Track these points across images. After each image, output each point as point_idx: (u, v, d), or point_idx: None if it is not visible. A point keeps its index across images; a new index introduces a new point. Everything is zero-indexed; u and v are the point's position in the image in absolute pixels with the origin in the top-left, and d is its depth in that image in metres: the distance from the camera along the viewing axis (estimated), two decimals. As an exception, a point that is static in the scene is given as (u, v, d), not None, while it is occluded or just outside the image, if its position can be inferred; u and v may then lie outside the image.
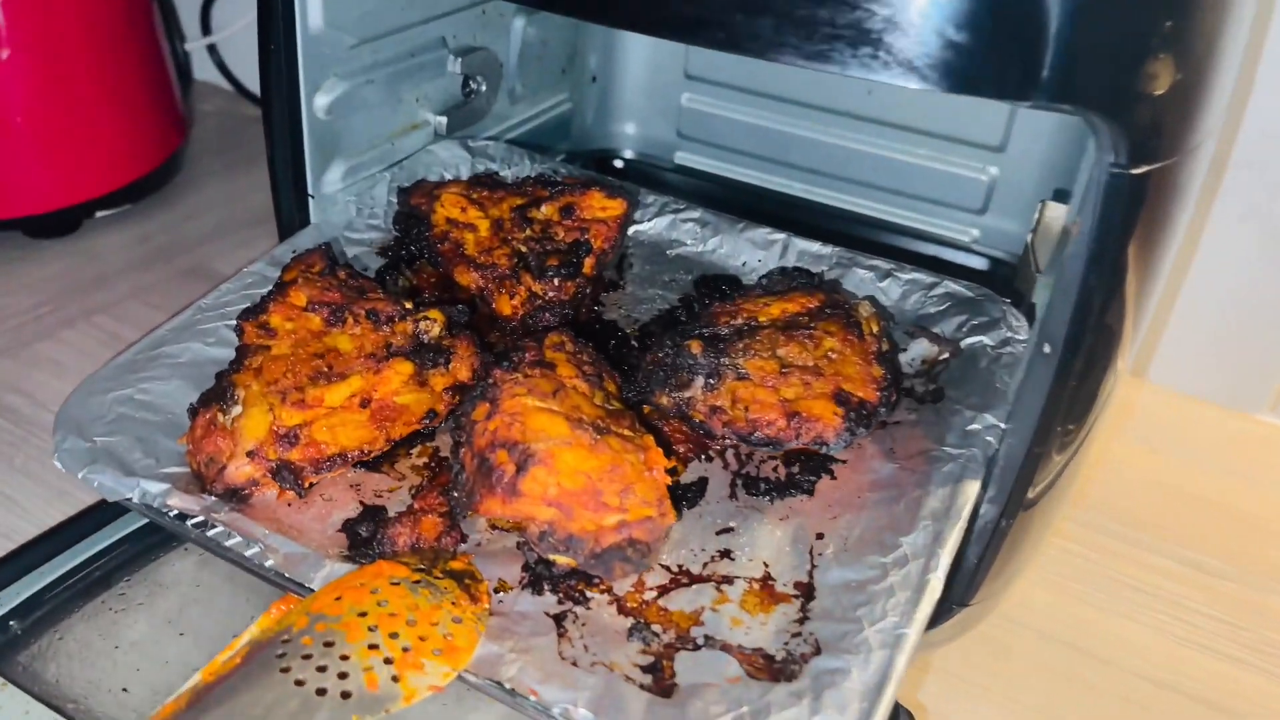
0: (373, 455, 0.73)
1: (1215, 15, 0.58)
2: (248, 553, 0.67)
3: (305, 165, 0.94)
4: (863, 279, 0.94)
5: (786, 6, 0.54)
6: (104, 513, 0.82)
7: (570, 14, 0.68)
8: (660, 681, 0.61)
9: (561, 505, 0.64)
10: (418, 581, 0.65)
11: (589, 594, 0.67)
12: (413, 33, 1.01)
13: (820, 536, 0.71)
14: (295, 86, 0.90)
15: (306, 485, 0.71)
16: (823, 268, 0.95)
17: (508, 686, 0.60)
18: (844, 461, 0.76)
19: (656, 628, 0.65)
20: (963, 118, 1.15)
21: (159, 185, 1.45)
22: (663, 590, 0.67)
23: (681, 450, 0.78)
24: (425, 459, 0.77)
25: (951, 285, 0.91)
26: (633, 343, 0.89)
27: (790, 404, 0.74)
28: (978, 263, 1.18)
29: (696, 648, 0.64)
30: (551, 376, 0.72)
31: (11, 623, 0.75)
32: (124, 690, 0.72)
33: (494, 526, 0.71)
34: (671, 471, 0.70)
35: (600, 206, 0.92)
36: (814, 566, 0.69)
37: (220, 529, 0.68)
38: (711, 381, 0.76)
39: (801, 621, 0.65)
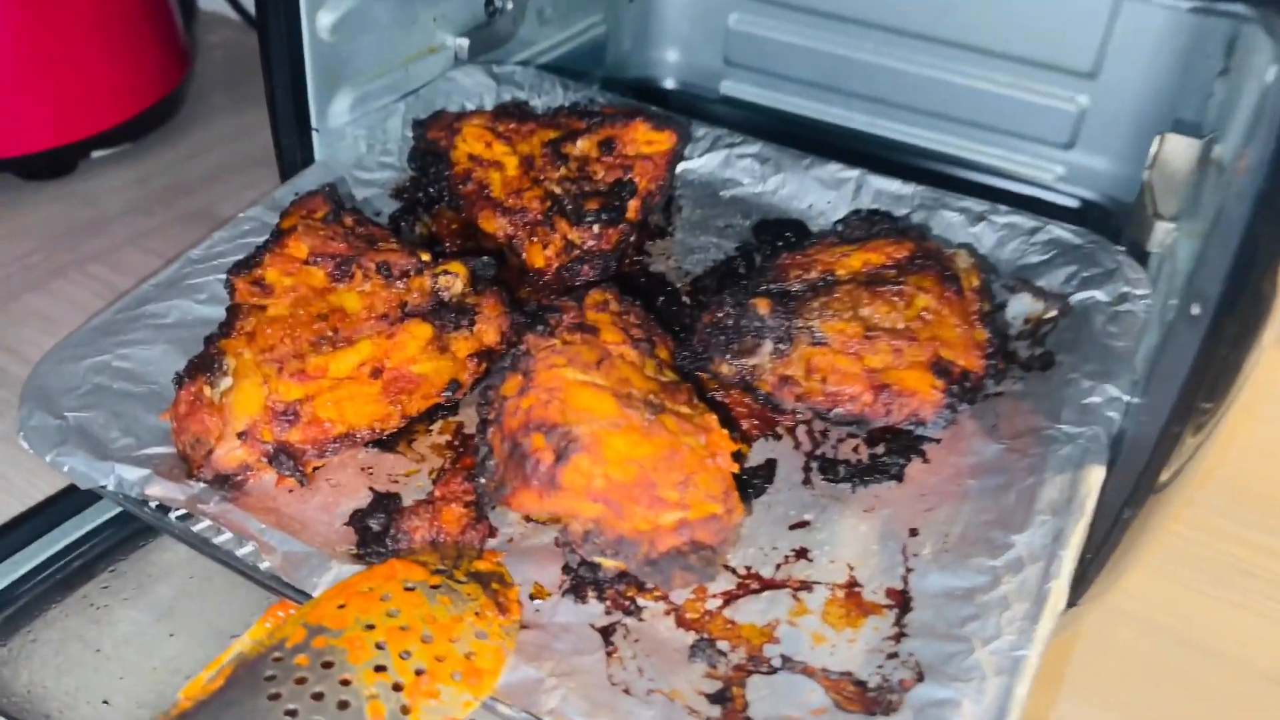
0: (386, 434, 0.63)
1: None
2: (240, 552, 0.57)
3: (308, 94, 0.82)
4: (951, 223, 0.81)
5: None
6: (85, 492, 0.73)
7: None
8: (730, 713, 0.51)
9: (609, 501, 0.54)
10: (436, 586, 0.55)
11: (642, 602, 0.57)
12: (428, -60, 0.89)
13: (914, 533, 0.60)
14: (295, 2, 0.78)
15: (309, 471, 0.61)
16: (904, 210, 0.82)
17: (546, 721, 0.50)
18: (938, 441, 0.65)
19: (723, 645, 0.54)
20: (1049, 39, 1.02)
21: (160, 122, 1.36)
22: (729, 598, 0.57)
23: (745, 427, 0.67)
24: (448, 436, 0.66)
25: (1056, 230, 0.79)
26: (684, 299, 0.77)
27: (877, 374, 0.62)
28: (1065, 204, 1.05)
29: (772, 670, 0.53)
30: (594, 343, 0.61)
31: (-23, 622, 0.66)
32: (105, 703, 0.63)
33: (529, 519, 0.60)
34: (737, 456, 0.59)
35: (645, 140, 0.80)
36: (909, 570, 0.58)
37: (207, 524, 0.58)
38: (782, 347, 0.64)
39: (897, 639, 0.55)
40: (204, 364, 0.62)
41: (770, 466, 0.64)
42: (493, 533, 0.60)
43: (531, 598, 0.57)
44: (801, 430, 0.67)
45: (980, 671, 0.52)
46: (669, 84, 1.23)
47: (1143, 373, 0.66)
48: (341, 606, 0.54)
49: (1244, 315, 0.55)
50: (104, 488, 0.60)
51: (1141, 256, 0.79)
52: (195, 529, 0.58)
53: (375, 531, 0.60)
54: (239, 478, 0.60)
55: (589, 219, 0.74)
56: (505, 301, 0.69)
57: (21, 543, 0.70)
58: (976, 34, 1.05)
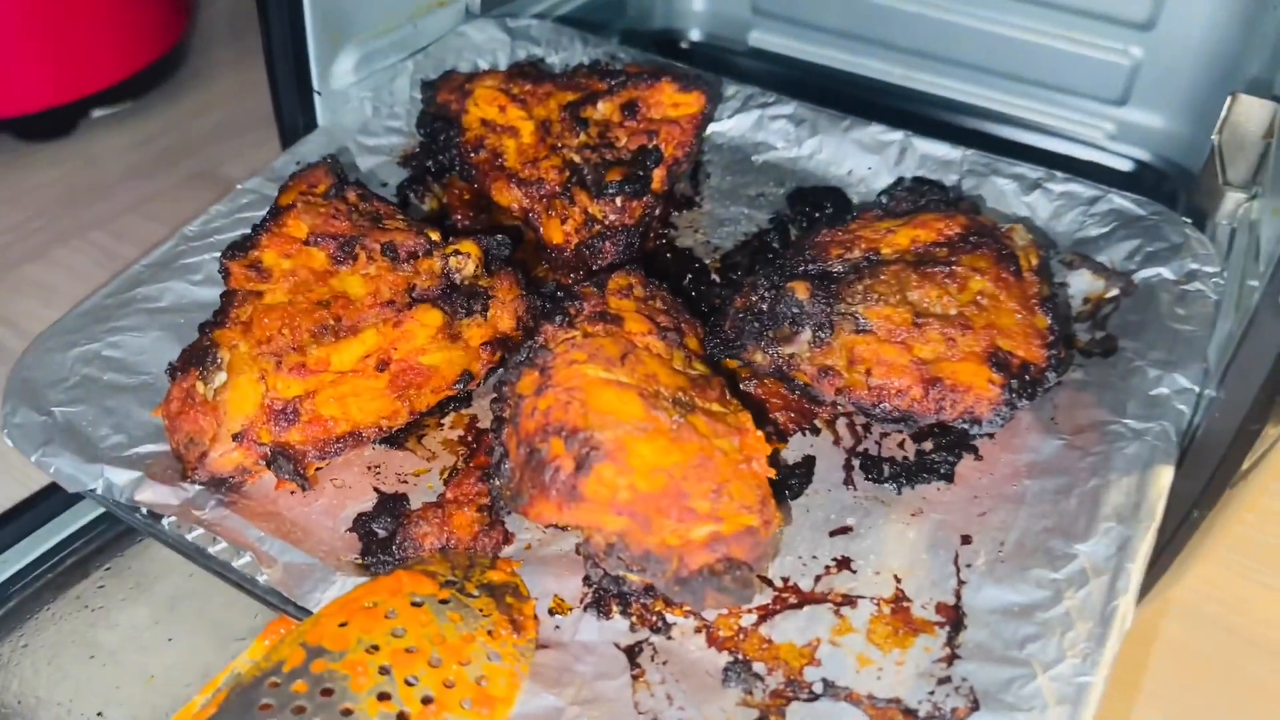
0: (393, 430, 0.58)
1: None
2: (237, 563, 0.53)
3: (309, 53, 0.76)
4: (1003, 191, 0.75)
5: None
6: (80, 485, 0.69)
7: None
8: (768, 747, 0.47)
9: (635, 513, 0.49)
10: (445, 601, 0.51)
11: (671, 618, 0.52)
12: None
13: (967, 540, 0.55)
14: (292, -48, 0.72)
15: (311, 473, 0.56)
16: (953, 177, 0.76)
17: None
18: (990, 436, 0.60)
19: (760, 668, 0.50)
20: (1101, -15, 0.94)
21: (162, 79, 1.31)
22: (765, 614, 0.52)
23: (780, 420, 0.62)
24: (460, 431, 0.62)
25: (1117, 200, 0.73)
26: (713, 277, 0.72)
27: (928, 366, 0.57)
28: (1116, 165, 0.98)
29: (813, 697, 0.49)
30: (618, 334, 0.56)
31: (-36, 626, 0.63)
32: (99, 715, 0.59)
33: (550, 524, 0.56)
34: (774, 459, 0.55)
35: (672, 102, 0.74)
36: (961, 583, 0.53)
37: (200, 532, 0.54)
38: (822, 334, 0.59)
39: (949, 661, 0.50)
40: (196, 356, 0.57)
41: (808, 464, 0.59)
42: (508, 539, 0.56)
43: (550, 612, 0.53)
44: (842, 423, 0.62)
45: (1041, 700, 0.48)
46: (694, 35, 1.16)
47: (1215, 361, 0.61)
48: (343, 625, 0.50)
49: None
50: (92, 491, 0.56)
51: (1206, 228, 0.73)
52: (189, 537, 0.54)
53: (382, 538, 0.55)
54: (236, 479, 0.56)
55: (610, 191, 0.68)
56: (521, 283, 0.63)
57: (12, 539, 0.66)
58: (1024, -20, 0.97)
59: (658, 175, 0.71)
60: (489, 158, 0.72)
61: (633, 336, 0.56)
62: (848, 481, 0.59)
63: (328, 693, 0.47)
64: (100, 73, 1.22)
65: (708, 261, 0.73)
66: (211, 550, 0.53)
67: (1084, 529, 0.54)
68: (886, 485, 0.58)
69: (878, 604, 0.53)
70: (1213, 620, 0.73)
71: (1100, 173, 0.97)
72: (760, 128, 0.83)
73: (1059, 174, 0.75)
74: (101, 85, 1.21)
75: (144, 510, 0.55)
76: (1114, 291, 0.67)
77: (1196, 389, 0.60)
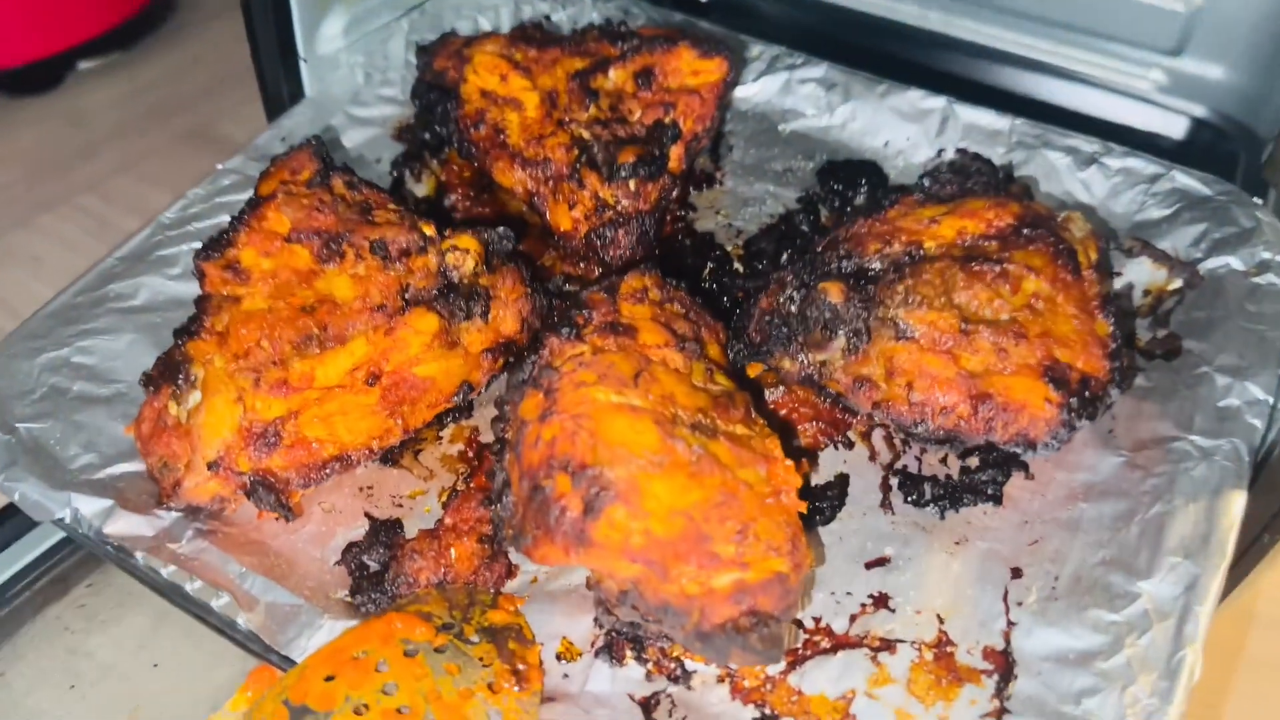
0: (385, 450, 0.53)
1: None
2: (215, 604, 0.49)
3: (292, 14, 0.70)
4: (1055, 166, 0.68)
5: None
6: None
7: None
8: (798, 818, 0.42)
9: (651, 560, 0.44)
10: (442, 649, 0.47)
11: (691, 665, 0.48)
12: None
13: (1017, 574, 0.50)
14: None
15: (295, 501, 0.52)
16: (1000, 150, 0.69)
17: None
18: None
19: (788, 724, 0.45)
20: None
21: (152, 27, 1.25)
22: (795, 660, 0.48)
23: (810, 431, 0.57)
24: (460, 445, 0.57)
25: (1182, 178, 0.66)
26: (736, 266, 0.65)
27: (976, 380, 0.51)
28: (1169, 125, 0.90)
29: (847, 758, 0.44)
30: (631, 349, 0.50)
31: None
32: (81, 755, 0.55)
33: (555, 555, 0.51)
34: (804, 487, 0.49)
35: (691, 70, 0.67)
36: (1011, 624, 0.48)
37: (175, 569, 0.49)
38: (857, 341, 0.53)
39: (998, 716, 0.46)
40: (169, 371, 0.52)
41: (841, 484, 0.54)
42: (511, 572, 0.51)
43: (558, 657, 0.48)
44: (878, 435, 0.56)
45: (1101, 766, 0.43)
46: (714, -22, 1.08)
47: (1298, 370, 0.55)
48: (330, 679, 0.45)
49: None
50: (60, 520, 0.51)
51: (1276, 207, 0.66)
52: (164, 574, 0.49)
53: (373, 572, 0.51)
54: (215, 507, 0.51)
55: (624, 173, 0.62)
56: (525, 280, 0.58)
57: (-11, 554, 0.62)
58: (1073, -84, 0.89)
59: (675, 154, 0.65)
60: (490, 134, 0.66)
61: (647, 350, 0.50)
62: (884, 504, 0.54)
63: (311, 763, 0.42)
64: (86, 20, 1.16)
65: (729, 248, 0.67)
66: (188, 589, 0.49)
67: (1147, 563, 0.49)
68: (928, 508, 0.53)
69: (919, 649, 0.48)
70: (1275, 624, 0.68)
71: (1151, 133, 0.90)
72: (788, 92, 0.76)
73: (1116, 147, 0.68)
74: (88, 34, 1.16)
75: (115, 543, 0.51)
76: (1177, 283, 0.61)
77: (1270, 400, 0.54)
